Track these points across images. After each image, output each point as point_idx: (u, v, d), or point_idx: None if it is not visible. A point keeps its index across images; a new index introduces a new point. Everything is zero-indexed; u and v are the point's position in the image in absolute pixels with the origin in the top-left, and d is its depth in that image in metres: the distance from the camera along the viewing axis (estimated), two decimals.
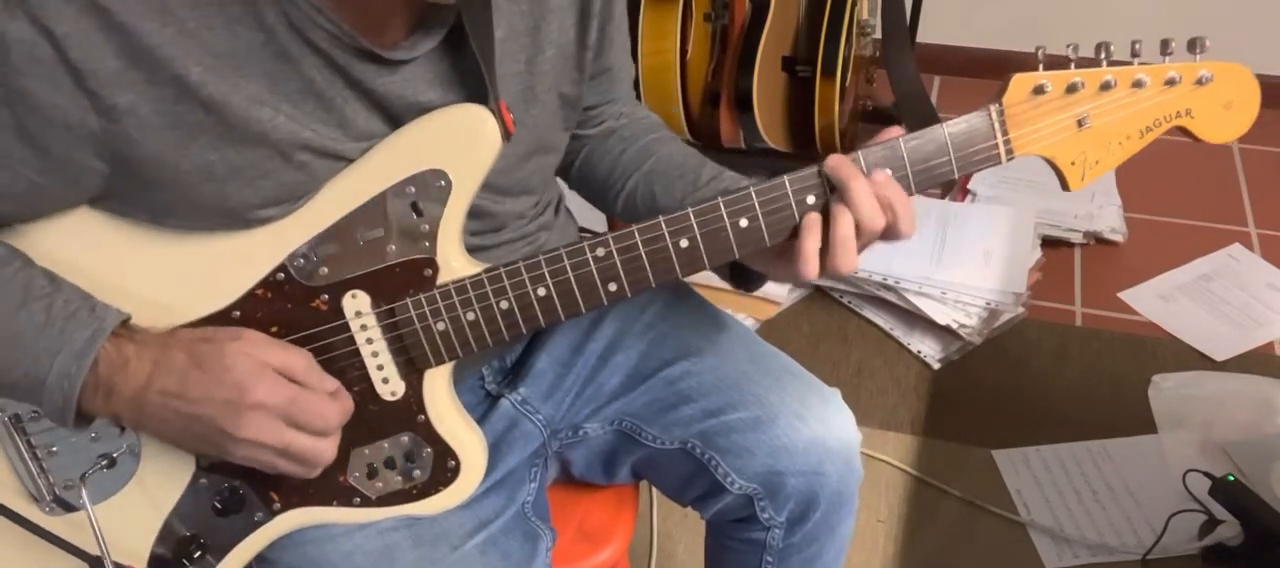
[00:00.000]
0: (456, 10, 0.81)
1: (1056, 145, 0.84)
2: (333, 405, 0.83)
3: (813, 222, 0.83)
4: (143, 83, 0.73)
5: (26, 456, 0.87)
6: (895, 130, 0.86)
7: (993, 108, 0.83)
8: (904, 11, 2.42)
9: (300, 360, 0.82)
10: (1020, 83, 0.82)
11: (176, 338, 0.81)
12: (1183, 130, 0.86)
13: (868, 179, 0.83)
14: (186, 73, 0.73)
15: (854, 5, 2.26)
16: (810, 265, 0.83)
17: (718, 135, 2.36)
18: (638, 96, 2.26)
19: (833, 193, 0.84)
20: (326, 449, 0.83)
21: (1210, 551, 1.60)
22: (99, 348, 0.78)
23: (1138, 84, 0.83)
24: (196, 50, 0.73)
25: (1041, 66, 0.82)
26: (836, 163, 0.83)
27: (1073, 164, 0.85)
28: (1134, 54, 0.83)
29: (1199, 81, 0.83)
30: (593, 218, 1.17)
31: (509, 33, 0.87)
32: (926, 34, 2.69)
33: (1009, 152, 0.84)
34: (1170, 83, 0.83)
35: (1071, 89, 0.82)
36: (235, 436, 0.79)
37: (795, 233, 0.85)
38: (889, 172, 0.84)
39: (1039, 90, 0.82)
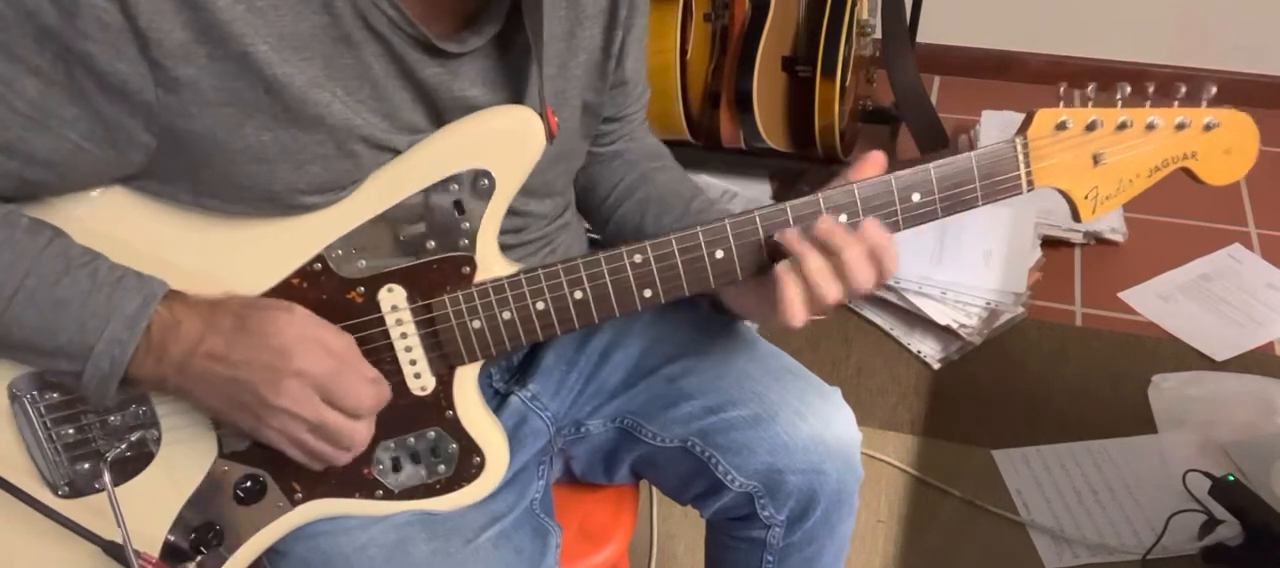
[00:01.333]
0: (508, 7, 0.82)
1: (1073, 179, 0.89)
2: (370, 388, 0.83)
3: (784, 270, 0.84)
4: (205, 57, 0.73)
5: (42, 437, 0.86)
6: (878, 157, 0.87)
7: (1018, 140, 0.88)
8: (904, 11, 2.42)
9: (343, 342, 0.82)
10: (1044, 118, 0.87)
11: (227, 302, 0.81)
12: (1187, 172, 0.92)
13: (858, 237, 0.84)
14: (253, 49, 0.73)
15: (854, 5, 2.26)
16: (796, 311, 0.84)
17: (718, 135, 2.36)
18: None
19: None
20: (360, 431, 0.83)
21: (1210, 551, 1.60)
22: (152, 312, 0.78)
23: (1150, 126, 0.88)
24: (263, 28, 0.73)
25: (1063, 103, 0.87)
26: (828, 230, 0.83)
27: (1086, 197, 0.90)
28: (1146, 98, 0.88)
29: (1206, 127, 0.89)
30: None
31: (547, 38, 0.87)
32: (926, 34, 2.69)
33: (1030, 182, 0.89)
34: (1180, 127, 0.89)
35: (1091, 127, 0.87)
36: (272, 402, 0.79)
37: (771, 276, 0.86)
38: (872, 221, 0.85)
39: (1061, 126, 0.87)
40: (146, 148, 0.77)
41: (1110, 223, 2.32)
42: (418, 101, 0.83)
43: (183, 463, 0.88)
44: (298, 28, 0.75)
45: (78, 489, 0.88)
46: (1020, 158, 0.88)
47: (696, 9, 2.25)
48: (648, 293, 0.87)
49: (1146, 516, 1.68)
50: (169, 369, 0.80)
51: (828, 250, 0.83)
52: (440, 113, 0.84)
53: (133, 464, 0.88)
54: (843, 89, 2.26)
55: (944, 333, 2.05)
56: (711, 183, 2.48)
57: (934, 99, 2.84)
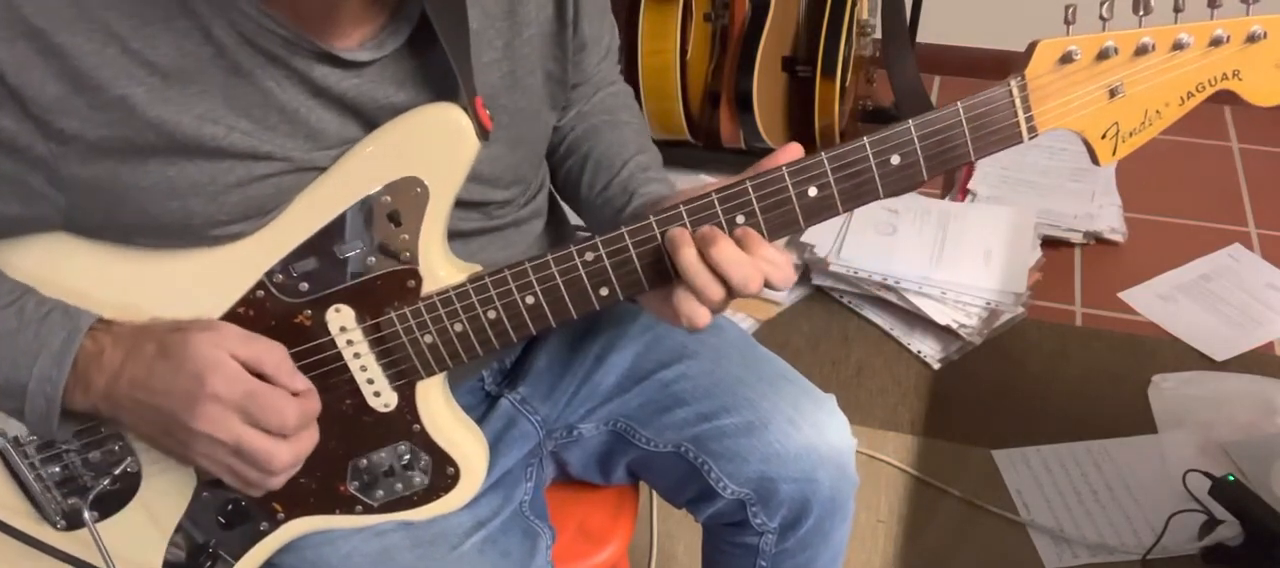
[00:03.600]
0: (420, 7, 0.79)
1: (1086, 118, 0.77)
2: (293, 404, 0.79)
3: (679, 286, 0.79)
4: (86, 108, 0.71)
5: (31, 476, 0.86)
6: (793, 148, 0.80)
7: (1014, 81, 0.76)
8: (904, 11, 2.42)
9: (272, 355, 0.79)
10: (1046, 51, 0.75)
11: (150, 329, 0.79)
12: (1228, 93, 0.78)
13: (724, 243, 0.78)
14: (130, 93, 0.71)
15: (854, 5, 2.26)
16: (701, 317, 0.79)
17: (718, 135, 2.37)
18: (637, 95, 2.26)
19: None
20: (280, 453, 0.78)
21: (1210, 551, 1.60)
22: (77, 345, 0.77)
23: (1179, 46, 0.75)
24: (139, 70, 0.71)
25: (1070, 30, 0.75)
26: (675, 236, 0.78)
27: (1104, 137, 0.78)
28: (1177, 10, 0.75)
29: (1250, 38, 0.75)
30: None
31: (484, 20, 0.84)
32: (926, 34, 2.69)
33: (1032, 129, 0.77)
34: (1216, 43, 0.75)
35: (1103, 55, 0.75)
36: (191, 427, 0.77)
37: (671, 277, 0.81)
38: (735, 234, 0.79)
39: (1067, 58, 0.75)
40: (56, 203, 0.75)
41: (1110, 223, 2.32)
42: (344, 115, 0.79)
43: (166, 493, 0.88)
44: (182, 63, 0.72)
45: (73, 523, 0.88)
46: (1017, 102, 0.76)
47: (696, 9, 2.26)
48: (604, 291, 0.82)
49: (1146, 516, 1.68)
50: (97, 399, 0.78)
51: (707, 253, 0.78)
52: (372, 123, 0.80)
53: (119, 497, 0.87)
54: (843, 89, 2.26)
55: (944, 333, 2.05)
56: (710, 182, 2.48)
57: (934, 99, 2.84)
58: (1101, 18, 0.75)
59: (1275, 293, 2.16)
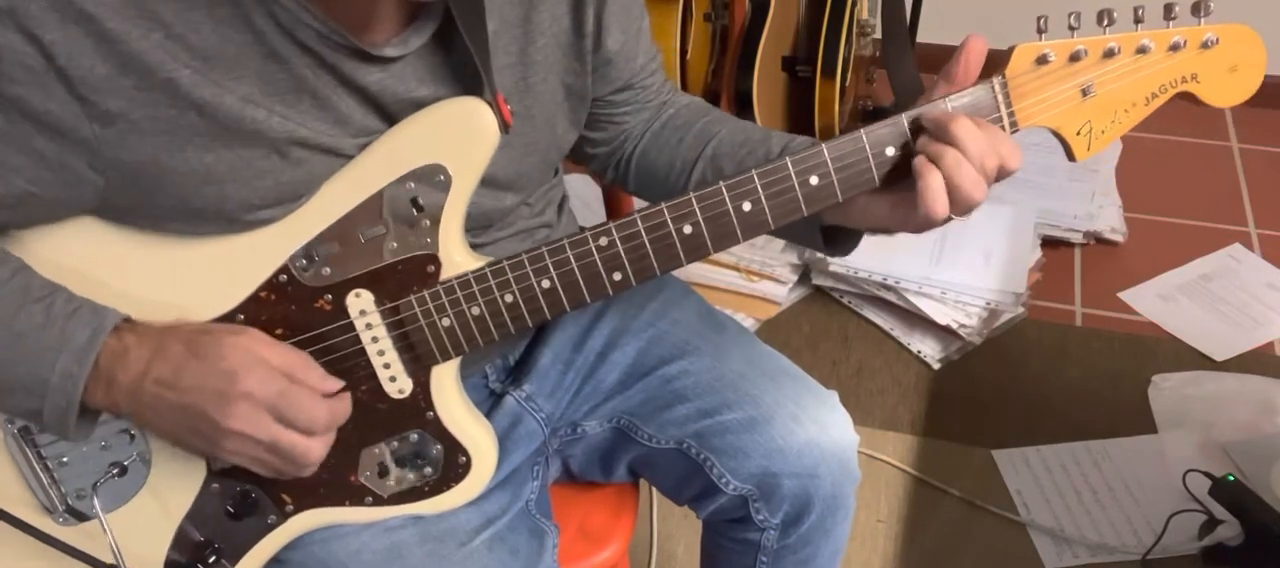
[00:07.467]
0: (444, 6, 0.81)
1: (1062, 115, 0.83)
2: (322, 404, 0.82)
3: (925, 164, 0.79)
4: (132, 89, 0.73)
5: (37, 467, 0.86)
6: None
7: (995, 80, 0.82)
8: (904, 11, 2.42)
9: (294, 359, 0.82)
10: (1023, 54, 0.81)
11: (176, 330, 0.81)
12: (1188, 96, 0.84)
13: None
14: (176, 76, 0.73)
15: (854, 5, 2.26)
16: (939, 203, 0.78)
17: None
18: None
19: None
20: (313, 448, 0.82)
21: (1210, 551, 1.60)
22: (101, 343, 0.78)
23: (1142, 50, 0.81)
24: (184, 53, 0.73)
25: (1043, 37, 0.81)
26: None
27: (1078, 134, 0.84)
28: (1137, 21, 0.81)
29: (1204, 45, 0.82)
30: (593, 219, 1.16)
31: (500, 25, 0.86)
32: (926, 34, 2.69)
33: (1013, 124, 0.83)
34: (1175, 48, 0.82)
35: (1075, 58, 0.81)
36: (222, 425, 0.79)
37: (890, 183, 0.83)
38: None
39: (1042, 60, 0.81)
40: (95, 185, 0.77)
41: (1110, 223, 2.32)
42: (367, 106, 0.82)
43: (174, 483, 0.88)
44: (223, 48, 0.74)
45: (76, 515, 0.88)
46: (999, 99, 0.81)
47: (696, 9, 2.26)
48: (617, 276, 0.85)
49: (1146, 516, 1.68)
50: (120, 396, 0.80)
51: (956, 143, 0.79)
52: (392, 116, 0.83)
53: (126, 488, 0.88)
54: (843, 89, 2.26)
55: (944, 333, 2.05)
56: None
57: None
58: (1070, 27, 0.81)
59: (1275, 293, 2.16)
